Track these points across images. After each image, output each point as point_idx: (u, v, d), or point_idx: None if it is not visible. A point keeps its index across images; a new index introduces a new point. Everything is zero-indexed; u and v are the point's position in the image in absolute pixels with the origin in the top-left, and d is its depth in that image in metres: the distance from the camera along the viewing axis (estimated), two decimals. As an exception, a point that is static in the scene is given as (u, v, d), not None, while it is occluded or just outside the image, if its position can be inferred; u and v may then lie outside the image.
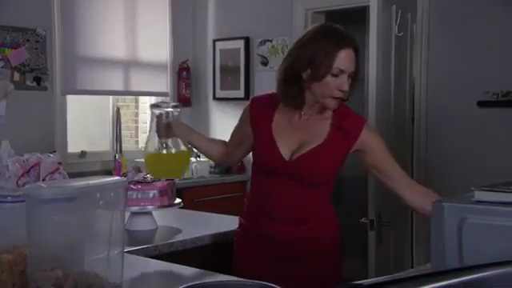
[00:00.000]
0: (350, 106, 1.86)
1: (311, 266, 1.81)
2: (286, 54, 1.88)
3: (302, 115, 1.83)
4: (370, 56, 2.75)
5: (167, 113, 1.82)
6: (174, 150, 1.83)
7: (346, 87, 1.73)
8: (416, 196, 1.78)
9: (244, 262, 1.87)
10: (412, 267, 3.21)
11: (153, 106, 1.88)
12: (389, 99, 2.97)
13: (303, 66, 1.75)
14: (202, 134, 2.12)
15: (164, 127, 1.83)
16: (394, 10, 2.96)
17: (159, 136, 1.83)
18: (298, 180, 1.79)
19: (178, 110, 1.87)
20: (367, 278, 0.83)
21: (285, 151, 1.81)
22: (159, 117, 1.83)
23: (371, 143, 1.83)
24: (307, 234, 1.81)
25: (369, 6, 2.78)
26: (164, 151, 1.82)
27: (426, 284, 0.75)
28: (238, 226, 1.96)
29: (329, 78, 1.72)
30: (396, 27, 2.96)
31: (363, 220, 2.65)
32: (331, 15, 3.96)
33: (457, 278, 0.80)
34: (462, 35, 3.26)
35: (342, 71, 1.72)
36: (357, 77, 1.78)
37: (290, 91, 1.80)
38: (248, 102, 1.94)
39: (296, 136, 1.82)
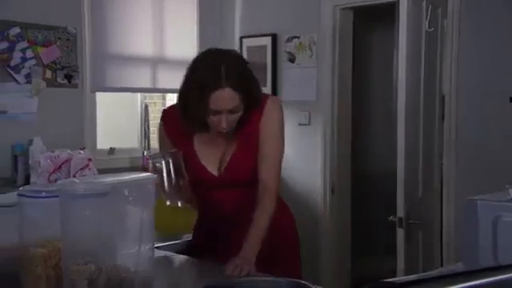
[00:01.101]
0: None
1: (271, 271, 1.63)
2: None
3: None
4: (400, 54, 2.71)
5: (166, 162, 1.69)
6: (180, 203, 1.70)
7: (223, 125, 1.70)
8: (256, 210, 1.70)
9: None
10: (442, 266, 3.16)
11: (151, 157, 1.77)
12: (418, 96, 2.93)
13: (190, 98, 1.72)
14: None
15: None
16: (424, 5, 2.92)
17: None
18: (234, 185, 1.78)
19: (179, 155, 1.73)
20: (396, 276, 0.82)
21: (211, 168, 1.80)
22: (158, 169, 1.70)
23: (268, 115, 1.77)
24: None
25: (398, 1, 2.75)
26: (168, 202, 1.68)
27: (461, 283, 0.74)
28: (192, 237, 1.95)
29: (209, 117, 1.70)
30: (426, 23, 2.92)
31: (391, 218, 2.63)
32: (359, 11, 3.93)
33: (492, 277, 0.79)
34: (494, 30, 3.20)
35: (217, 112, 1.68)
36: (243, 105, 1.71)
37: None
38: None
39: (217, 150, 1.81)
